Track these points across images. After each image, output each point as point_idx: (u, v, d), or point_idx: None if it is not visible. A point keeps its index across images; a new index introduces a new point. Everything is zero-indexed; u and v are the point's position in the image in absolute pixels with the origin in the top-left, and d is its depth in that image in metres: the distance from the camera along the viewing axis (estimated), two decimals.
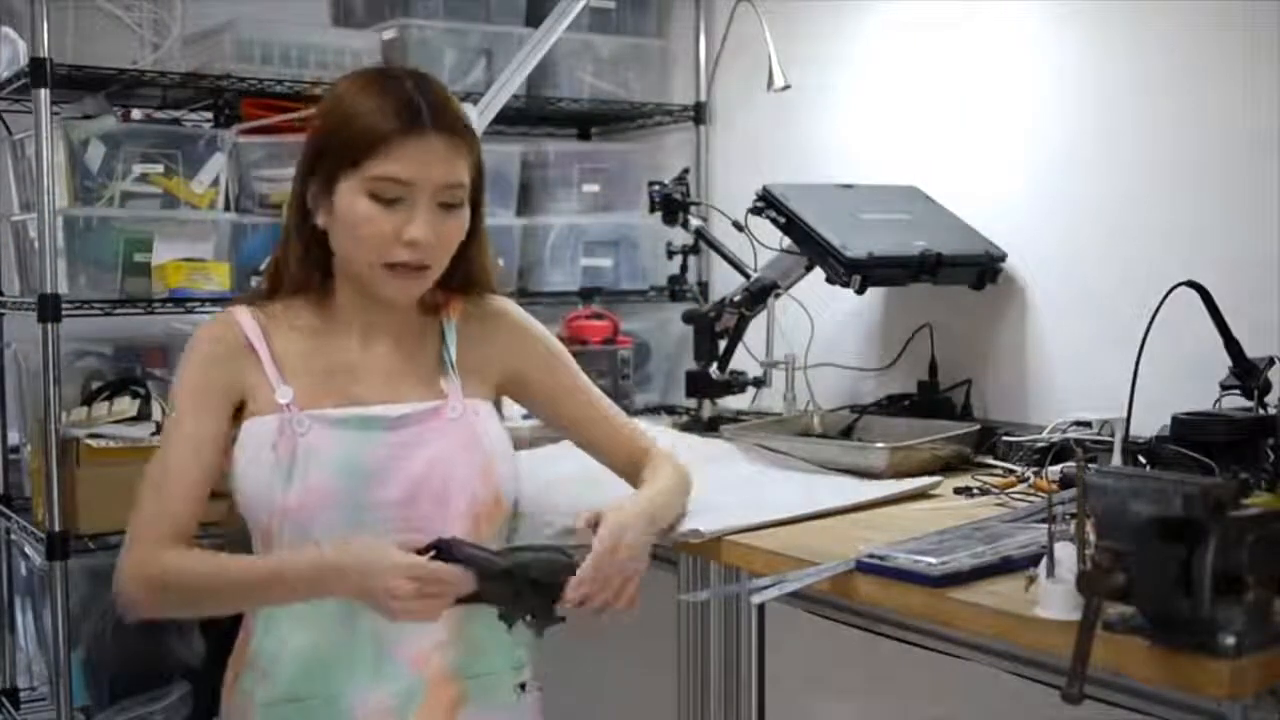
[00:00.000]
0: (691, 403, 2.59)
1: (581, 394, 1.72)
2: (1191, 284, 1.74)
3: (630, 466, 1.72)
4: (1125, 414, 1.71)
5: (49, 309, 2.32)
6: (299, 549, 1.47)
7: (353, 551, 1.41)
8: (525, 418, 2.31)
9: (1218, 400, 1.80)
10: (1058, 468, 1.89)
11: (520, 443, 1.69)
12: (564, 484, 1.85)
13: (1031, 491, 1.86)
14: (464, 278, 1.64)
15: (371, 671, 1.50)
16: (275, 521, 1.49)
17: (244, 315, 1.58)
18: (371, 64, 2.68)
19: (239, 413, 1.55)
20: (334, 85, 1.60)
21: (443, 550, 1.39)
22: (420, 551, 1.40)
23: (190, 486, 1.51)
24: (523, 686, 1.62)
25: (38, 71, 2.29)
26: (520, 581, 1.43)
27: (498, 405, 1.69)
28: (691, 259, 2.93)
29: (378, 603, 1.39)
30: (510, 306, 1.71)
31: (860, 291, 2.22)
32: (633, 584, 1.49)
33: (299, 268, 1.58)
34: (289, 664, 1.51)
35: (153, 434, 2.38)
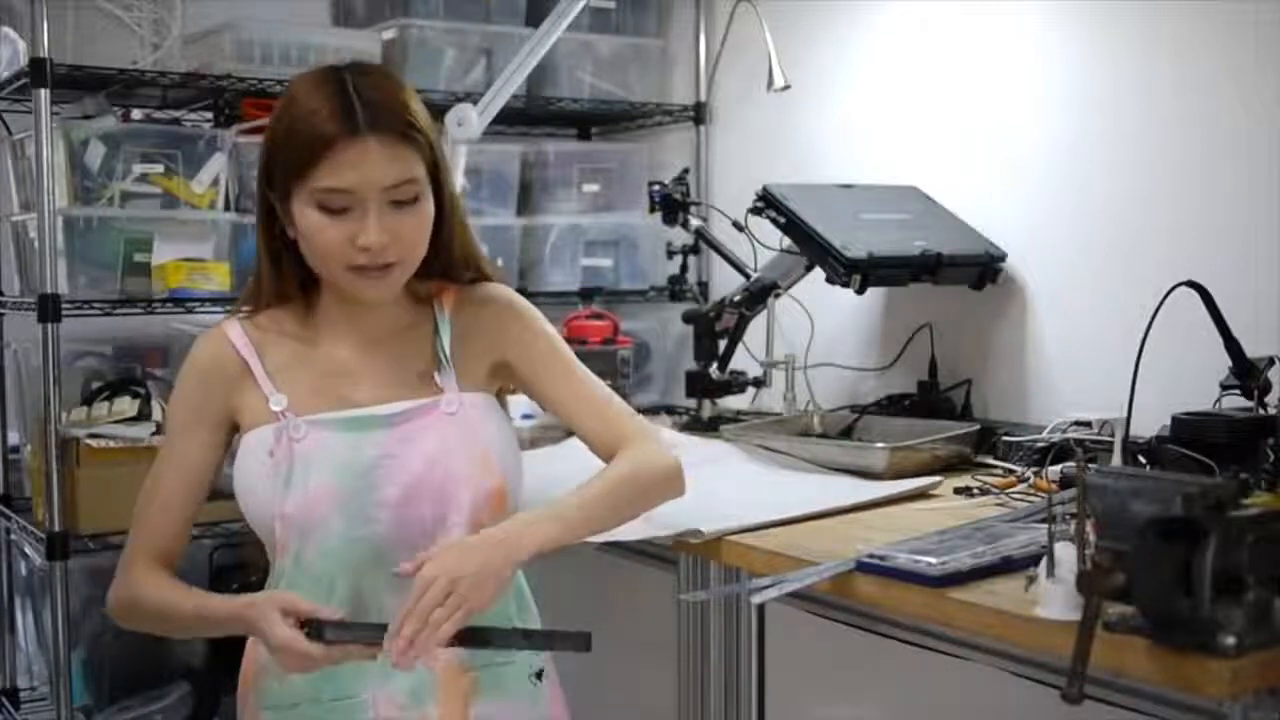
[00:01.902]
0: (691, 403, 2.59)
1: (562, 374, 1.64)
2: (1191, 284, 1.74)
3: (609, 454, 1.63)
4: (1125, 414, 1.71)
5: (49, 309, 2.32)
6: (225, 598, 1.51)
7: (253, 612, 1.43)
8: (525, 418, 2.31)
9: (1218, 400, 1.80)
10: (1058, 468, 1.89)
11: (520, 444, 1.67)
12: (563, 483, 1.85)
13: (1031, 491, 1.86)
14: (446, 263, 1.60)
15: (382, 668, 1.49)
16: (279, 527, 1.49)
17: (235, 330, 1.57)
18: None
19: (237, 429, 1.56)
20: (288, 86, 1.56)
21: (312, 630, 1.40)
22: (302, 623, 1.40)
23: (173, 508, 1.56)
24: (539, 675, 1.61)
25: (38, 71, 2.29)
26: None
27: (501, 398, 1.67)
28: (691, 259, 2.94)
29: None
30: (500, 293, 1.65)
31: (860, 291, 2.22)
32: (444, 626, 1.38)
33: (272, 279, 1.57)
34: None
35: (153, 434, 2.38)
